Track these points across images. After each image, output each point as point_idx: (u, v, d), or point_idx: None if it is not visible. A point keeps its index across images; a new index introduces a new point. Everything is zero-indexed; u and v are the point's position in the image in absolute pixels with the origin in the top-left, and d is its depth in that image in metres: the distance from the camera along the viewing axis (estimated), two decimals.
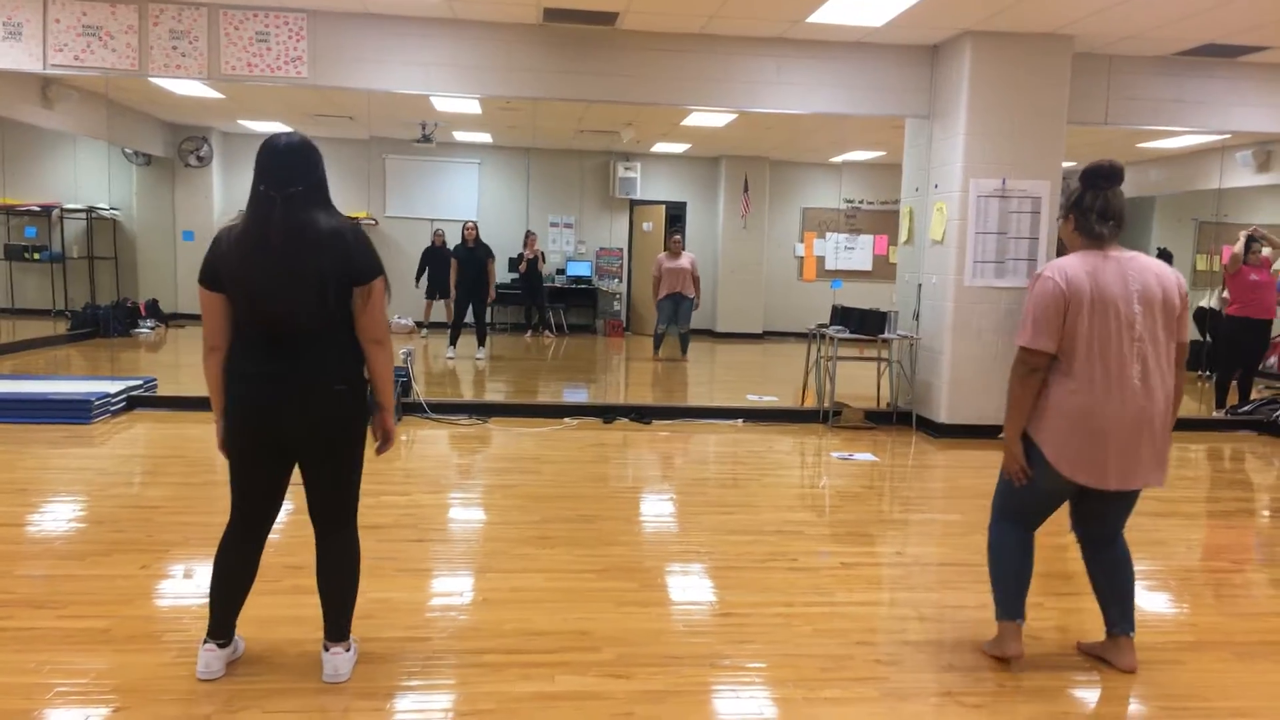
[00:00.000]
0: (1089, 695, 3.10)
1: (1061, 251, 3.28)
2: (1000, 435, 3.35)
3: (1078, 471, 3.06)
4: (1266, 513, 5.73)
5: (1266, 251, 8.69)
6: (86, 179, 11.96)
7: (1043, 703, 3.02)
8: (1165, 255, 11.51)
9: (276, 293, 2.75)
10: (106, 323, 11.64)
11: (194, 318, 2.96)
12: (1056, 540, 4.65)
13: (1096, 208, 3.07)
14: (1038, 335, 3.04)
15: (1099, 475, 3.05)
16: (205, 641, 2.98)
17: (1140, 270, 3.04)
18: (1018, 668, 3.26)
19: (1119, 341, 2.99)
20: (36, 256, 11.80)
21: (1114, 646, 3.29)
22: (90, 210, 12.09)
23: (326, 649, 3.01)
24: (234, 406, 2.87)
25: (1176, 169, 11.23)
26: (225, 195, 13.07)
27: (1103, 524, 3.27)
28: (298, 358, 2.81)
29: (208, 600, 2.98)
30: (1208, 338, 10.38)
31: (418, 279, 12.90)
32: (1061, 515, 3.36)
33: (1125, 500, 3.20)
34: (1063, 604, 3.89)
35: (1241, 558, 4.71)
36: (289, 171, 2.79)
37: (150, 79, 7.37)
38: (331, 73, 7.26)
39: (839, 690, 3.06)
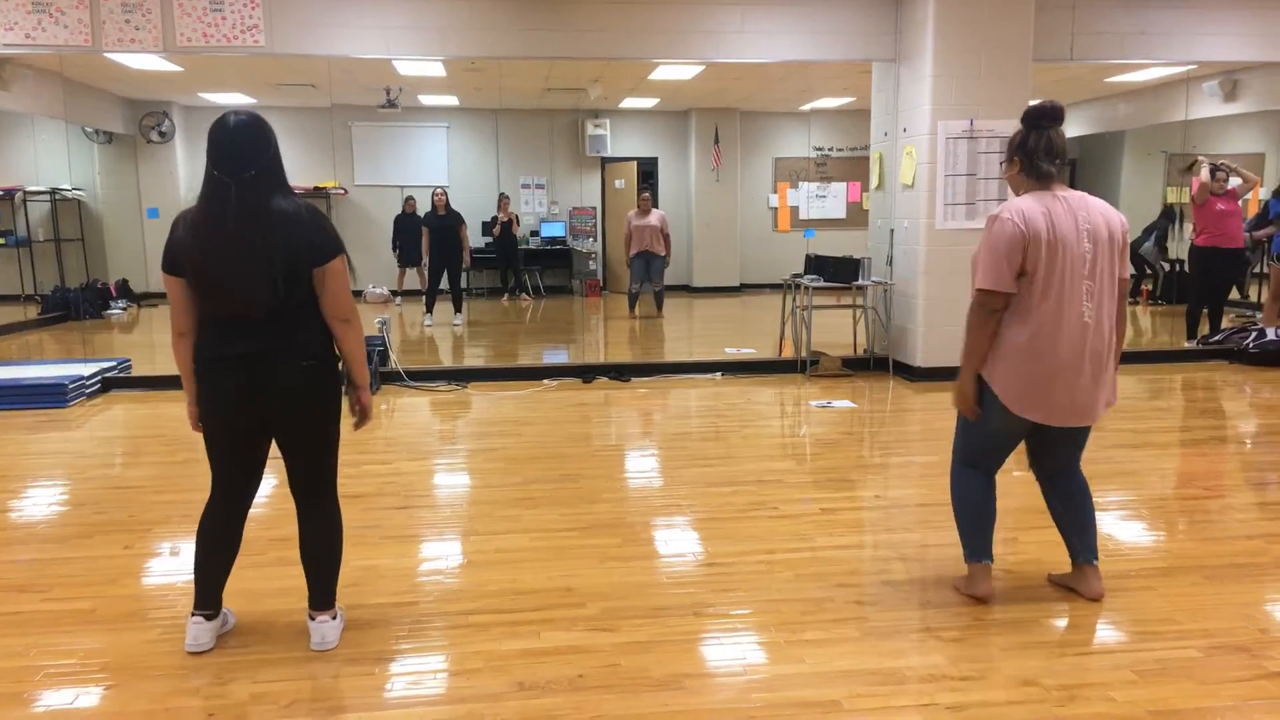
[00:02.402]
0: (1063, 624, 3.18)
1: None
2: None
3: (1027, 409, 3.11)
4: (1238, 440, 5.84)
5: (1234, 182, 8.74)
6: (47, 160, 11.75)
7: (1018, 633, 3.09)
8: (1169, 213, 11.53)
9: (234, 279, 2.74)
10: (77, 305, 11.51)
11: (165, 296, 2.97)
12: (1029, 475, 4.72)
13: (1042, 147, 3.09)
14: (999, 277, 3.04)
15: (1047, 412, 3.11)
16: (193, 614, 3.00)
17: (1089, 210, 3.07)
18: (994, 601, 3.33)
19: (1072, 280, 3.03)
20: (2, 241, 11.62)
21: (1080, 575, 3.38)
22: (54, 192, 11.90)
23: (312, 618, 3.04)
24: (207, 392, 2.86)
25: (1144, 102, 11.25)
26: (189, 170, 12.88)
27: (1056, 459, 3.34)
28: (263, 339, 2.79)
29: (193, 573, 3.00)
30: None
31: (394, 247, 12.83)
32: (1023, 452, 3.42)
33: (1076, 433, 3.26)
34: (1036, 537, 3.96)
35: (1213, 484, 4.80)
36: (242, 154, 2.76)
37: (105, 54, 7.22)
38: (289, 40, 7.14)
39: (821, 632, 3.12)
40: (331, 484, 3.05)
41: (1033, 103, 3.16)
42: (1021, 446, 3.37)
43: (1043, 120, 3.11)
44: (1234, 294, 9.68)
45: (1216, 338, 8.68)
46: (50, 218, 12.07)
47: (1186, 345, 8.79)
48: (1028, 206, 3.05)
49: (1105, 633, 3.13)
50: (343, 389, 3.00)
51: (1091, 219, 3.05)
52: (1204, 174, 8.56)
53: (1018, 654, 2.95)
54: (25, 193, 11.68)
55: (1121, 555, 3.79)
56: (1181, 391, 7.31)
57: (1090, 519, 3.36)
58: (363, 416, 3.04)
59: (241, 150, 2.76)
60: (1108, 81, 10.65)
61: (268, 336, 2.80)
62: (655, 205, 11.92)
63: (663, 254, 11.44)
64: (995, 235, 3.05)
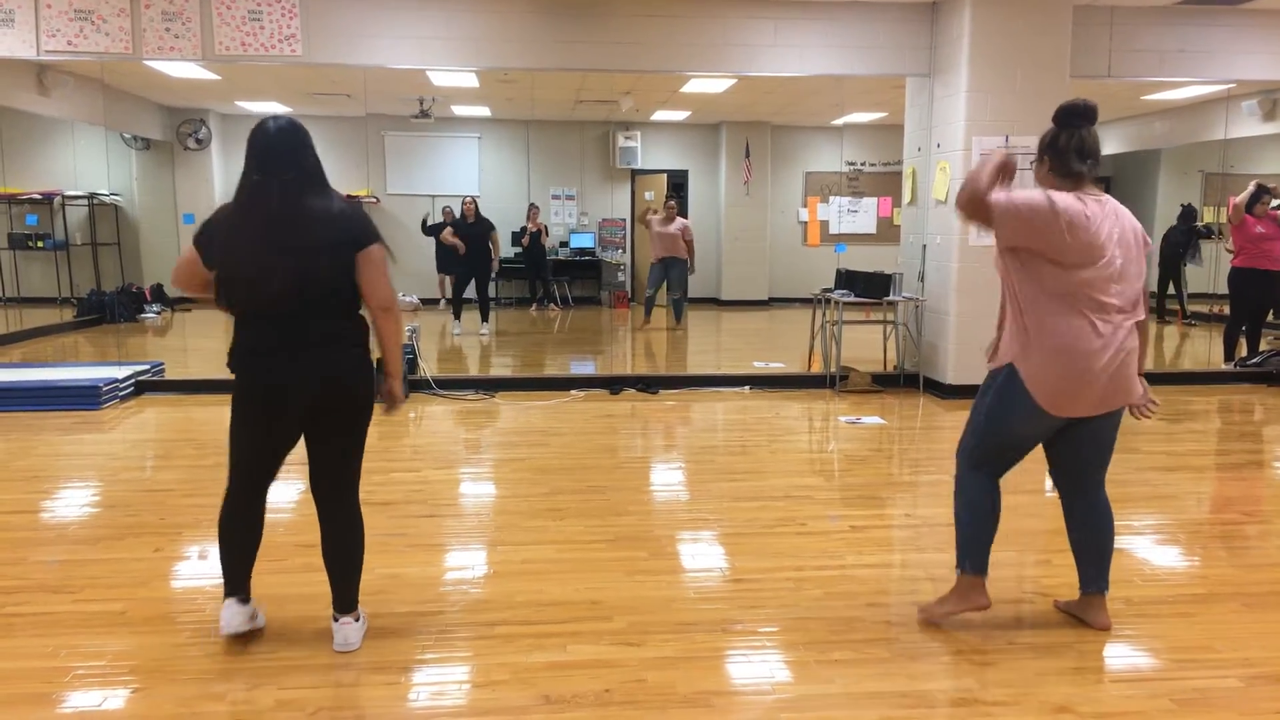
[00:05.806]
0: (1099, 649, 3.11)
1: None
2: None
3: (1059, 406, 3.01)
4: (1277, 464, 5.72)
5: (1278, 204, 8.59)
6: (86, 165, 11.93)
7: (1053, 658, 3.03)
8: (1189, 212, 11.41)
9: (273, 273, 2.79)
10: (112, 308, 11.66)
11: (197, 302, 3.10)
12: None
13: (1074, 146, 3.01)
14: (1011, 209, 2.92)
15: (1075, 406, 3.02)
16: (225, 599, 3.04)
17: (1115, 213, 3.02)
18: (1028, 624, 3.27)
19: (1103, 283, 2.96)
20: (40, 245, 11.80)
21: (1088, 605, 3.26)
22: (91, 196, 12.07)
23: (336, 619, 3.06)
24: (247, 383, 2.94)
25: (1182, 121, 11.11)
26: (225, 177, 13.02)
27: (1079, 469, 3.20)
28: (304, 332, 2.86)
29: (220, 562, 3.05)
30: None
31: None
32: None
33: (1099, 440, 3.14)
34: (1069, 560, 3.87)
35: (1252, 509, 4.70)
36: (282, 156, 2.83)
37: (145, 62, 7.32)
38: (326, 50, 7.21)
39: (850, 651, 3.07)
40: (356, 483, 3.09)
41: (1066, 101, 3.08)
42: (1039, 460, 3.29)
43: (1075, 119, 3.04)
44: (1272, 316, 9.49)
45: (1254, 360, 8.54)
46: (88, 222, 12.25)
47: (1224, 367, 8.64)
48: (1070, 199, 2.95)
49: (1142, 660, 3.07)
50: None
51: (1121, 223, 3.01)
52: (1242, 196, 8.42)
53: (1052, 679, 2.89)
54: (64, 197, 11.86)
55: (1158, 581, 3.72)
56: (1218, 414, 7.19)
57: (1108, 547, 3.23)
58: (392, 403, 3.08)
59: (283, 153, 2.84)
60: (1145, 99, 10.53)
61: (307, 331, 2.85)
62: (683, 216, 11.91)
63: (685, 259, 11.49)
64: (1037, 196, 2.93)
